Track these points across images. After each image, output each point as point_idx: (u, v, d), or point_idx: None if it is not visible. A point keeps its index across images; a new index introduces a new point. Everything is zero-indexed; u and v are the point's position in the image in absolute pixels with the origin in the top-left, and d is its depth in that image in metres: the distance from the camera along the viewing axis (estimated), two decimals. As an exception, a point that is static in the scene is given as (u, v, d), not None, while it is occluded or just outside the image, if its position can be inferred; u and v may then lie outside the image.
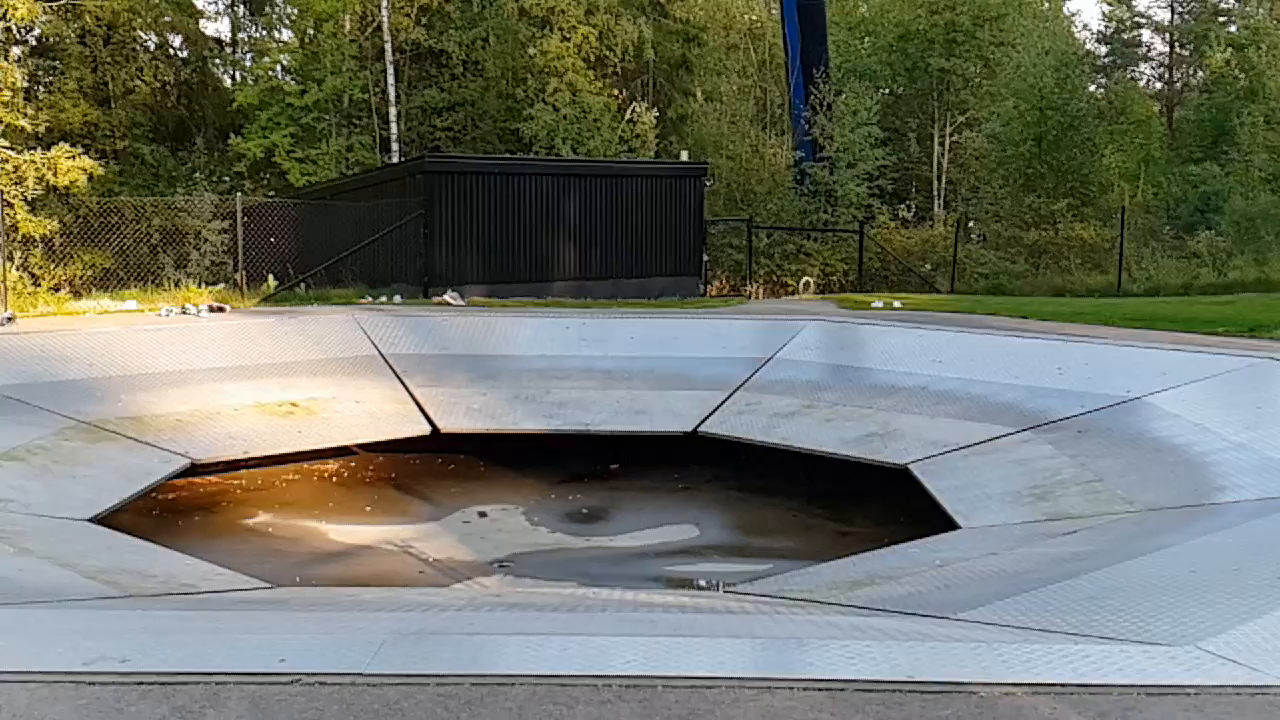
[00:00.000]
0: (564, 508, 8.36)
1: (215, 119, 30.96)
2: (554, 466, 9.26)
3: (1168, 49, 38.92)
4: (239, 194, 18.39)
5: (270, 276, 16.87)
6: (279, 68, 31.28)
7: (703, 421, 9.38)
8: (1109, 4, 39.42)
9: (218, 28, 32.18)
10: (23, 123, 20.44)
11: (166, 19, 30.25)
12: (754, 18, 35.66)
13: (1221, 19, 35.15)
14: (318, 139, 29.49)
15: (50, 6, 24.83)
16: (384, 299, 15.44)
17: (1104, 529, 6.15)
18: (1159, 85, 39.35)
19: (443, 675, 3.00)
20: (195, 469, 6.92)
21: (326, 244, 18.82)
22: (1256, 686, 3.13)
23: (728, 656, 3.49)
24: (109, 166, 24.95)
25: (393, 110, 29.97)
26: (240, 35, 33.67)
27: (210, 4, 32.70)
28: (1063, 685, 3.10)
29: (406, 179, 19.77)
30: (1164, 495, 6.51)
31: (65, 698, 2.68)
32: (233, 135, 28.68)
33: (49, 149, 19.64)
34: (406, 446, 9.01)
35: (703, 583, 6.97)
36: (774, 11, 31.41)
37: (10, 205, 17.84)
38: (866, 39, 33.69)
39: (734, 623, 4.27)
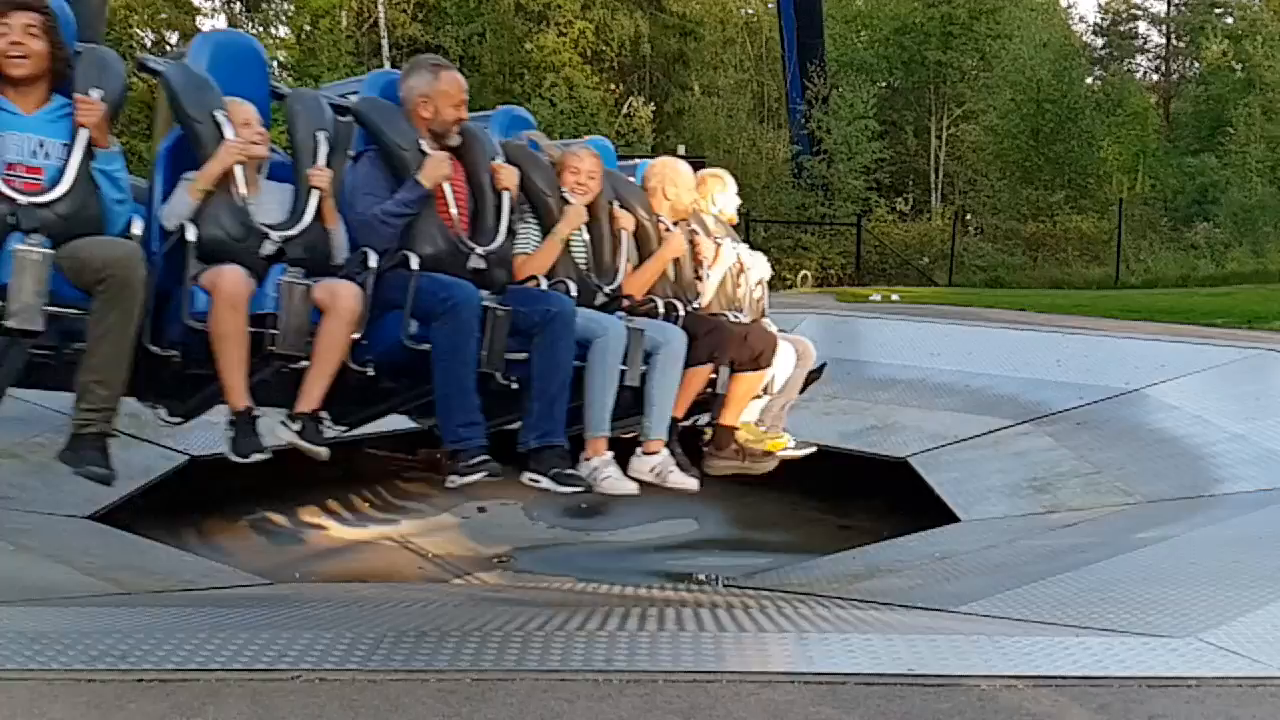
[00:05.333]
0: (562, 502, 8.34)
1: (212, 115, 30.85)
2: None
3: (1164, 41, 38.89)
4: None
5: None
6: (275, 64, 31.16)
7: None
8: (1105, -4, 39.35)
9: (214, 24, 32.12)
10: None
11: (163, 16, 30.17)
12: (750, 12, 35.58)
13: (1218, 10, 35.10)
14: (314, 135, 29.40)
15: (45, 3, 24.76)
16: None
17: (1104, 521, 6.16)
18: (1156, 77, 39.33)
19: (443, 671, 3.00)
20: (195, 465, 6.90)
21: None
22: (1257, 678, 3.14)
23: (728, 650, 3.49)
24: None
25: (389, 106, 29.88)
26: (236, 31, 33.59)
27: (207, 1, 32.65)
28: (1064, 678, 3.10)
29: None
30: (1164, 487, 6.52)
31: (65, 695, 2.67)
32: (229, 131, 28.59)
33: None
34: (404, 441, 8.99)
35: (702, 576, 6.97)
36: (770, 5, 31.33)
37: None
38: (863, 32, 33.61)
39: (734, 617, 4.27)
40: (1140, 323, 11.54)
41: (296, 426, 3.70)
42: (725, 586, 6.52)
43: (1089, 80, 33.02)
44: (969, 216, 28.07)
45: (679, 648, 3.40)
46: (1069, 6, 38.31)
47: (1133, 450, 7.18)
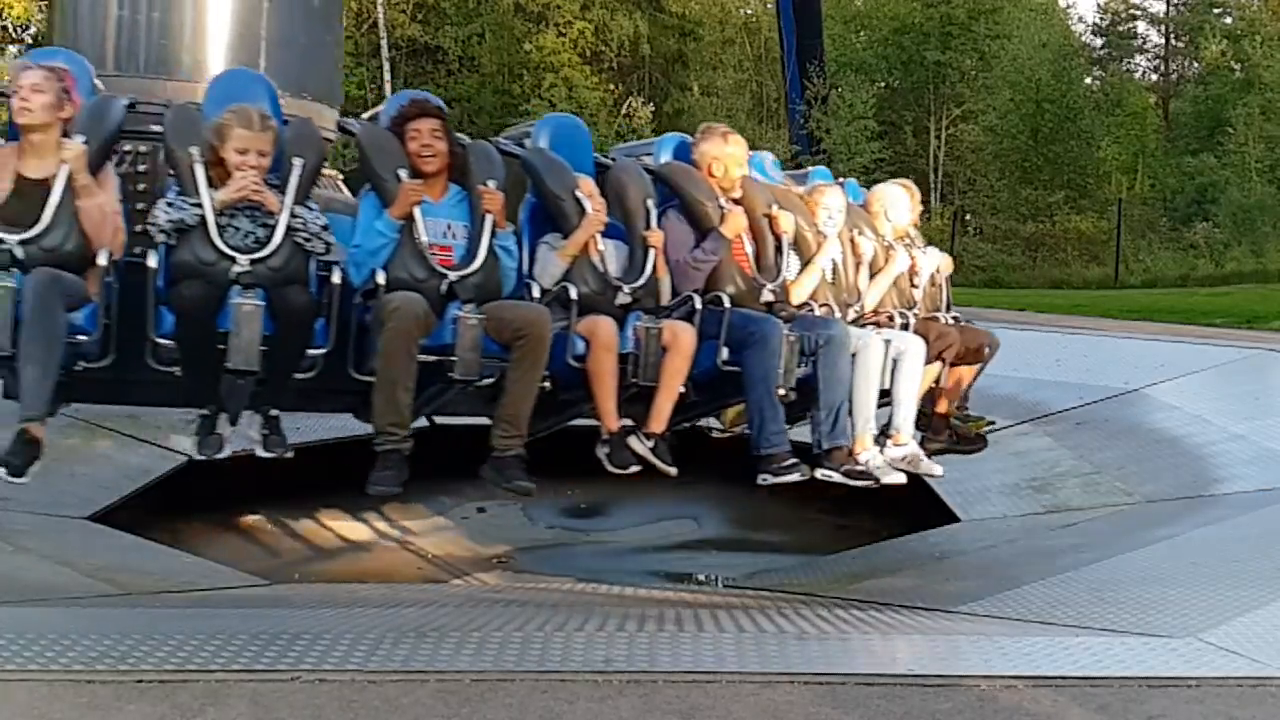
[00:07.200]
0: (562, 503, 8.34)
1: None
2: (552, 462, 9.20)
3: (1163, 41, 38.85)
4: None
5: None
6: (274, 64, 31.11)
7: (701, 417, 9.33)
8: (1105, -4, 39.30)
9: (213, 24, 32.05)
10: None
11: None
12: (750, 12, 35.57)
13: (1217, 10, 35.06)
14: (314, 135, 29.39)
15: (46, 5, 24.76)
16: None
17: (1103, 521, 6.16)
18: (1155, 77, 39.28)
19: (442, 671, 3.00)
20: (195, 466, 6.91)
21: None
22: (1257, 678, 3.14)
23: (728, 651, 3.49)
24: (105, 164, 24.86)
25: (389, 106, 29.86)
26: (235, 32, 33.55)
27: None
28: (1064, 678, 3.10)
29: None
30: (1163, 487, 6.52)
31: (65, 696, 2.67)
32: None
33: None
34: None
35: (702, 577, 6.96)
36: (770, 5, 31.32)
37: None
38: (862, 32, 33.61)
39: (734, 617, 4.27)
40: (1140, 323, 11.55)
41: (650, 444, 4.39)
42: (725, 587, 6.51)
43: (1088, 80, 33.01)
44: (968, 216, 28.05)
45: (678, 648, 3.40)
46: (1068, 6, 38.36)
47: (1133, 450, 7.17)
